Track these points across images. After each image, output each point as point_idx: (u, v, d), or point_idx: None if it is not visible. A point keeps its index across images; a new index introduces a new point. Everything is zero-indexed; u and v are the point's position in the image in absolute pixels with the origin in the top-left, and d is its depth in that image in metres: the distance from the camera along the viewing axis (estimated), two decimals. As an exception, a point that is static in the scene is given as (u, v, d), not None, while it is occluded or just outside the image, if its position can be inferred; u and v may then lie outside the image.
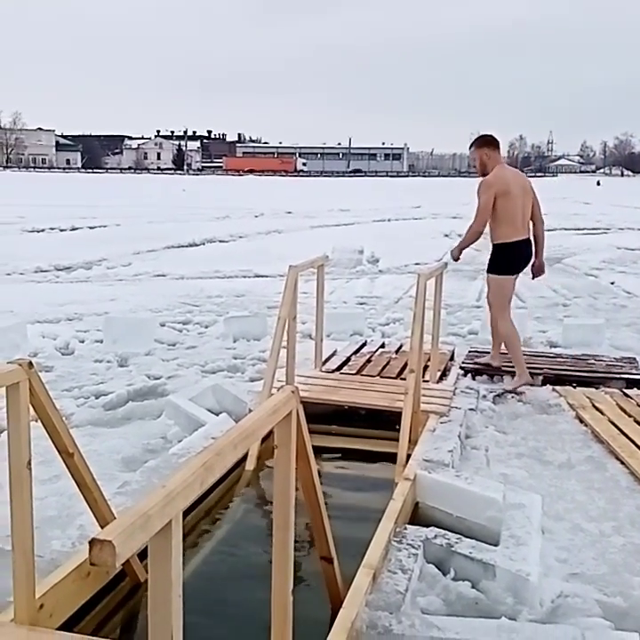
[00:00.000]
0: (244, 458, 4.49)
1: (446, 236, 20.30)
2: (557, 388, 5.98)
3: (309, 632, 2.61)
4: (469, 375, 6.31)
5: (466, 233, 6.08)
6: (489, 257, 6.18)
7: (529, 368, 6.32)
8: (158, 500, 1.47)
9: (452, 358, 6.71)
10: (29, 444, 2.47)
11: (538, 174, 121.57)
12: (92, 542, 1.32)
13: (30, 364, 2.42)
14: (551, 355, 7.05)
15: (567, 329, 7.86)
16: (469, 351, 6.97)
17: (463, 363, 6.53)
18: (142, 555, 2.91)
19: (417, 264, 13.51)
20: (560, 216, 28.18)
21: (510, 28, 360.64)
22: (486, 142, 6.11)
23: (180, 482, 1.56)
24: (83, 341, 7.61)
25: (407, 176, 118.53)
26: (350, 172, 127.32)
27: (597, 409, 5.47)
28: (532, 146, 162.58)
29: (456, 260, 6.27)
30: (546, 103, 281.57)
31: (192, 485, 1.59)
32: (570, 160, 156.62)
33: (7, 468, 2.47)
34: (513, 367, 6.26)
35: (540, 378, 6.17)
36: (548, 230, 22.88)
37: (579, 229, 23.24)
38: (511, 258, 6.09)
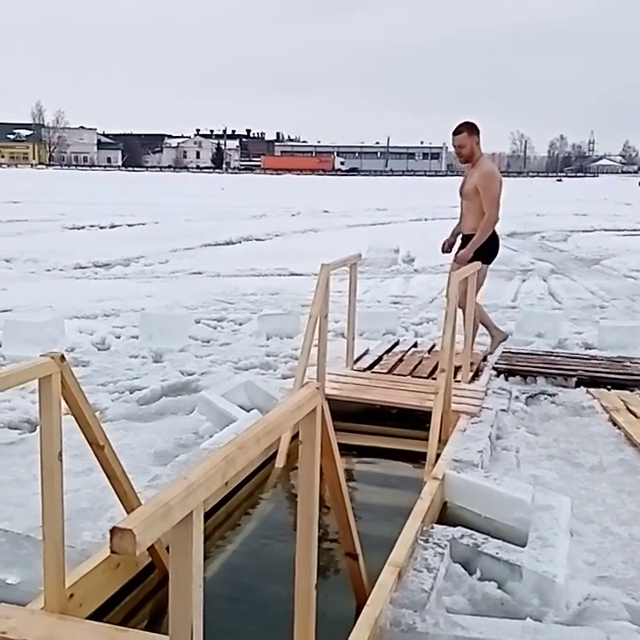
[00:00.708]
0: (275, 455, 4.53)
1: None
2: (591, 390, 5.92)
3: (333, 628, 2.63)
4: (502, 376, 6.27)
5: (482, 231, 6.01)
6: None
7: (563, 370, 6.28)
8: (179, 491, 1.50)
9: (485, 359, 6.67)
10: (61, 435, 2.53)
11: (579, 174, 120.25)
12: (113, 531, 1.35)
13: (62, 357, 2.47)
14: (586, 357, 6.97)
15: (603, 331, 7.77)
16: (503, 352, 6.93)
17: (496, 363, 6.49)
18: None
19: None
20: (600, 217, 27.87)
21: (551, 26, 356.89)
22: (477, 130, 6.05)
23: (202, 474, 1.58)
24: (119, 337, 7.73)
25: (445, 175, 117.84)
26: (347, 170, 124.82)
27: (631, 412, 5.40)
28: (573, 146, 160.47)
29: (467, 262, 6.01)
30: (587, 102, 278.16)
31: (214, 477, 1.61)
32: (611, 160, 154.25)
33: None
34: (547, 367, 6.27)
35: (574, 380, 6.11)
36: (588, 231, 22.44)
37: (619, 230, 22.89)
38: (495, 246, 6.20)
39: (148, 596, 3.12)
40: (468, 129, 6.00)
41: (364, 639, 2.51)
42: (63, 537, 2.60)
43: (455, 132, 6.04)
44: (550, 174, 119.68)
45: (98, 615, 2.84)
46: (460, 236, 6.45)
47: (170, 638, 1.63)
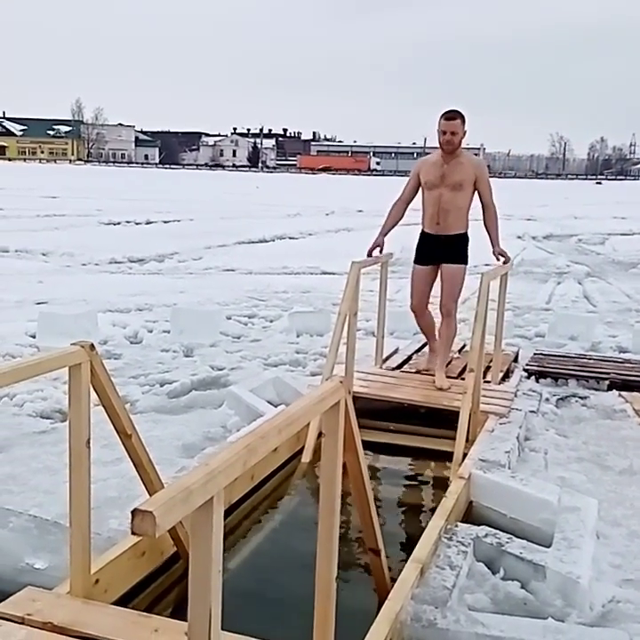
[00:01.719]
0: (302, 450, 4.55)
1: (519, 237, 19.98)
2: (624, 393, 5.86)
3: (354, 621, 2.64)
4: (533, 377, 6.23)
5: (497, 226, 5.80)
6: (454, 248, 5.83)
7: (595, 372, 6.21)
8: (200, 476, 1.53)
9: (515, 360, 6.62)
10: (89, 422, 2.57)
11: (619, 177, 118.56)
12: (135, 512, 1.38)
13: (92, 345, 2.51)
14: (619, 360, 6.89)
15: (638, 334, 7.67)
16: (535, 353, 6.88)
17: (527, 365, 6.45)
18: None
19: (486, 265, 13.32)
20: (639, 220, 27.46)
21: (592, 27, 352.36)
22: (465, 120, 5.49)
23: (223, 461, 1.61)
24: (151, 331, 7.80)
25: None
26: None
27: (664, 416, 5.33)
28: (614, 148, 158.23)
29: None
30: (629, 104, 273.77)
31: (234, 465, 1.63)
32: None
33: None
34: (578, 370, 6.21)
35: (606, 383, 6.04)
36: (626, 234, 22.06)
37: (659, 234, 22.56)
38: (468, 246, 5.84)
39: (173, 584, 3.16)
40: (461, 117, 5.44)
41: (384, 633, 2.52)
42: (89, 523, 2.65)
43: (449, 118, 5.38)
44: (589, 177, 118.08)
45: (123, 601, 2.88)
46: (420, 235, 6.03)
47: (188, 622, 1.65)
